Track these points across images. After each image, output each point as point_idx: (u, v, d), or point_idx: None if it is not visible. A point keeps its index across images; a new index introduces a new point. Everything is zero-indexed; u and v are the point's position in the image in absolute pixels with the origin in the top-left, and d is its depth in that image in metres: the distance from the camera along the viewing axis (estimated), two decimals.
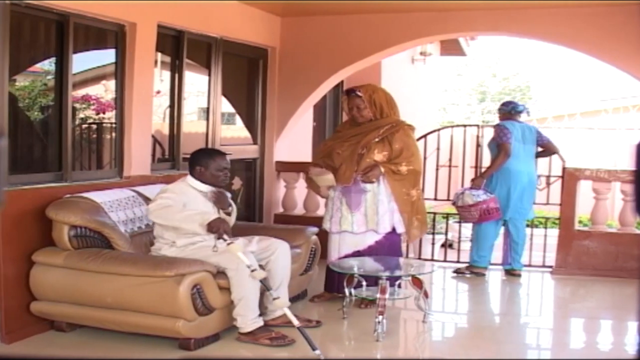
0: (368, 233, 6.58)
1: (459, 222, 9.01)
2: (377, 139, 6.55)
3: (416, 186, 6.68)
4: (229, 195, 5.98)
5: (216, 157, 5.84)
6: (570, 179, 8.22)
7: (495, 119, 8.49)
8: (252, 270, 5.33)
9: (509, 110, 8.08)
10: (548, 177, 8.47)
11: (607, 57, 7.90)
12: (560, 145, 8.19)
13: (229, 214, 5.85)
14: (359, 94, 6.62)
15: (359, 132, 6.66)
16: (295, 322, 5.36)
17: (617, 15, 7.49)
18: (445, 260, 8.86)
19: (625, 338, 6.06)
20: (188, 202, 5.62)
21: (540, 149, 8.11)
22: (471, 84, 31.37)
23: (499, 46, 29.36)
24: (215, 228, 5.37)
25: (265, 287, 5.39)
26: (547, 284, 8.07)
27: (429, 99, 14.58)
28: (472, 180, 8.10)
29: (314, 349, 5.19)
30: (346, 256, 6.56)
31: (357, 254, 6.57)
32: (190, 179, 5.81)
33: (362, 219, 6.56)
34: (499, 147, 7.89)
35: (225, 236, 5.37)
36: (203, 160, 5.79)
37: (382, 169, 6.48)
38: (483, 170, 8.24)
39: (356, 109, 6.64)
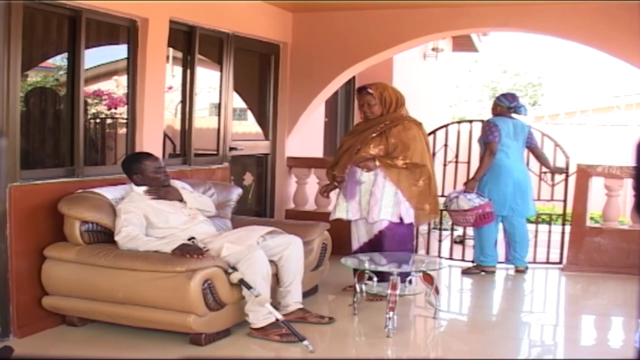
0: (377, 222, 6.73)
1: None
2: (374, 134, 6.78)
3: (422, 177, 6.77)
4: (177, 184, 6.01)
5: (145, 161, 5.79)
6: (582, 175, 8.20)
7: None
8: (229, 273, 5.34)
9: (508, 107, 7.90)
10: (553, 173, 8.45)
11: (619, 52, 7.86)
12: (572, 142, 8.16)
13: (185, 202, 5.90)
14: (370, 91, 6.81)
15: (367, 127, 6.89)
16: (279, 316, 5.41)
17: (630, 10, 7.44)
18: (451, 258, 8.83)
19: (636, 335, 6.04)
20: (149, 212, 5.62)
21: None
22: (482, 80, 31.30)
23: (510, 42, 29.28)
24: (188, 255, 5.24)
25: (246, 287, 5.34)
26: (558, 280, 8.05)
27: (440, 95, 14.55)
28: (465, 183, 7.94)
29: (301, 340, 5.27)
30: (364, 244, 6.85)
31: (370, 242, 6.82)
32: (136, 188, 5.78)
33: (356, 207, 6.83)
34: (486, 145, 7.79)
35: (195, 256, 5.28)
36: (135, 168, 5.78)
37: (377, 162, 6.66)
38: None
39: (367, 106, 6.85)
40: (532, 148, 8.09)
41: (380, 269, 6.11)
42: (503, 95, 8.13)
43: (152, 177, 5.75)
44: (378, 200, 6.67)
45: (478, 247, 8.03)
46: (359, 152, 6.77)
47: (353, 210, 6.83)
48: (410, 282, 6.23)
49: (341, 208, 6.88)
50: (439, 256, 8.67)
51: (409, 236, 6.92)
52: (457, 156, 8.82)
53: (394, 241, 6.73)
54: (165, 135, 7.16)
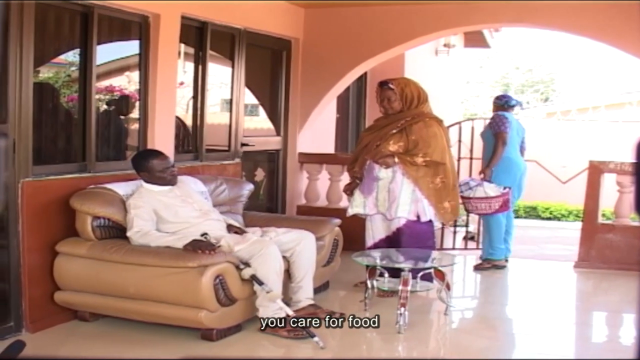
0: (395, 219, 6.71)
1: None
2: (394, 130, 6.75)
3: (439, 175, 6.73)
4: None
5: (153, 159, 5.77)
6: (594, 172, 8.18)
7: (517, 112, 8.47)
8: (241, 269, 5.35)
9: (502, 104, 8.10)
10: None
11: (632, 49, 7.81)
12: (584, 138, 8.21)
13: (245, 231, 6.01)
14: (392, 86, 6.79)
15: (387, 123, 6.85)
16: (290, 312, 5.43)
17: None
18: (466, 248, 8.88)
19: None
20: (158, 207, 5.62)
21: None
22: (494, 76, 31.20)
23: (522, 38, 29.15)
24: (199, 251, 5.24)
25: (257, 283, 5.35)
26: (569, 277, 8.03)
27: (452, 91, 14.52)
28: (482, 172, 7.93)
29: (312, 336, 5.29)
30: (380, 241, 6.82)
31: (388, 239, 6.81)
32: (144, 184, 5.77)
33: (373, 202, 6.81)
34: (497, 135, 7.84)
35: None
36: (142, 166, 5.78)
37: (397, 159, 6.63)
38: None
39: (387, 101, 6.82)
40: (521, 149, 8.25)
41: (390, 265, 6.11)
42: (495, 97, 8.39)
43: (158, 177, 5.74)
44: (396, 198, 6.65)
45: (487, 240, 8.03)
46: (379, 148, 6.75)
47: (370, 205, 6.82)
48: (422, 278, 6.22)
49: (358, 203, 6.88)
50: (454, 248, 8.73)
51: (429, 233, 6.86)
52: (471, 152, 8.85)
53: (412, 238, 6.70)
54: (177, 131, 7.17)
